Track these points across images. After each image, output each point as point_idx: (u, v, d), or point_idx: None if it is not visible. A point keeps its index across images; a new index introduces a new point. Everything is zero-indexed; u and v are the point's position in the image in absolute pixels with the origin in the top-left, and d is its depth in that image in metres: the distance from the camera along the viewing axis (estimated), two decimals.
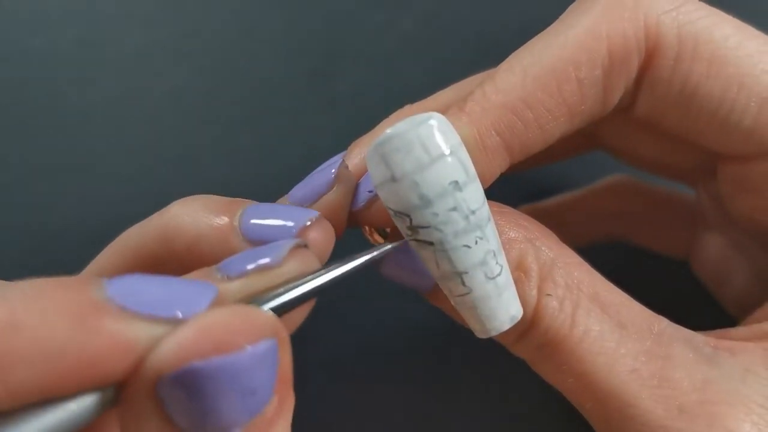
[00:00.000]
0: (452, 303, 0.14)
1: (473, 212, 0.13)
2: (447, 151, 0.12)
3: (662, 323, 0.15)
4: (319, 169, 0.16)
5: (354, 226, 0.16)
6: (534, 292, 0.14)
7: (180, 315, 0.10)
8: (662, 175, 0.22)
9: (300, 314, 0.15)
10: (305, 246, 0.13)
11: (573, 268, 0.15)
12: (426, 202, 0.12)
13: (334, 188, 0.15)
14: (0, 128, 0.26)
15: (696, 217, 0.22)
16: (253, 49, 0.27)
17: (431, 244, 0.13)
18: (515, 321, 0.14)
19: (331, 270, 0.13)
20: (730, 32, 0.15)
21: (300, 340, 0.24)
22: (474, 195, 0.13)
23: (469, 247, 0.13)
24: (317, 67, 0.27)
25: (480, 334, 0.14)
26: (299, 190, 0.16)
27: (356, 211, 0.15)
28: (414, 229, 0.13)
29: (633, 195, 0.23)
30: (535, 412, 0.23)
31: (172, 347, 0.10)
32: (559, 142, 0.16)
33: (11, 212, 0.25)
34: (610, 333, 0.14)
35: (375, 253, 0.14)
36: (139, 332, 0.10)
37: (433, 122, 0.12)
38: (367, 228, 0.16)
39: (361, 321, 0.25)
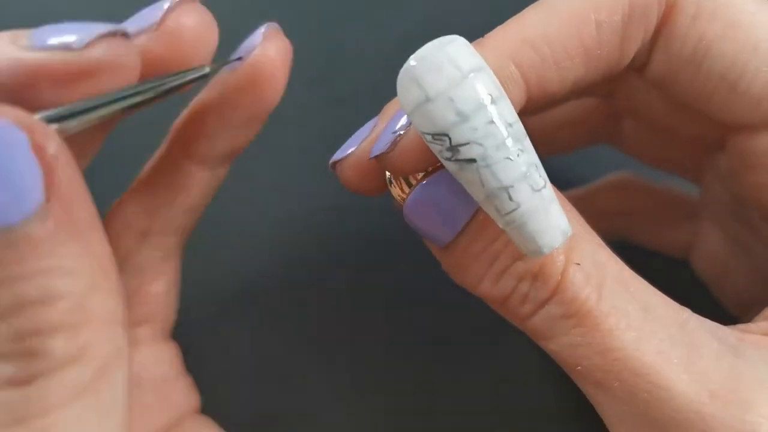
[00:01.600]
0: (500, 226, 0.14)
1: (511, 125, 0.13)
2: (477, 67, 0.13)
3: (686, 313, 0.15)
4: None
5: (370, 192, 0.16)
6: (562, 257, 0.14)
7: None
8: (668, 166, 0.22)
9: (99, 133, 0.15)
10: (125, 36, 0.12)
11: (599, 248, 0.15)
12: (463, 117, 0.12)
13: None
14: None
15: (697, 215, 0.22)
16: None
17: (473, 161, 0.13)
18: (567, 236, 0.13)
19: (140, 86, 0.12)
20: (749, 0, 0.15)
21: (298, 341, 0.24)
22: (508, 109, 0.13)
23: (511, 159, 0.13)
24: (317, 67, 0.27)
25: (533, 254, 0.13)
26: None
27: (380, 155, 0.15)
28: (454, 148, 0.13)
29: (634, 193, 0.23)
30: (533, 413, 0.23)
31: None
32: (568, 131, 0.16)
33: None
34: (635, 313, 0.14)
35: (193, 76, 0.14)
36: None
37: (458, 42, 0.13)
38: (393, 181, 0.16)
39: (359, 320, 0.25)
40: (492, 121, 0.12)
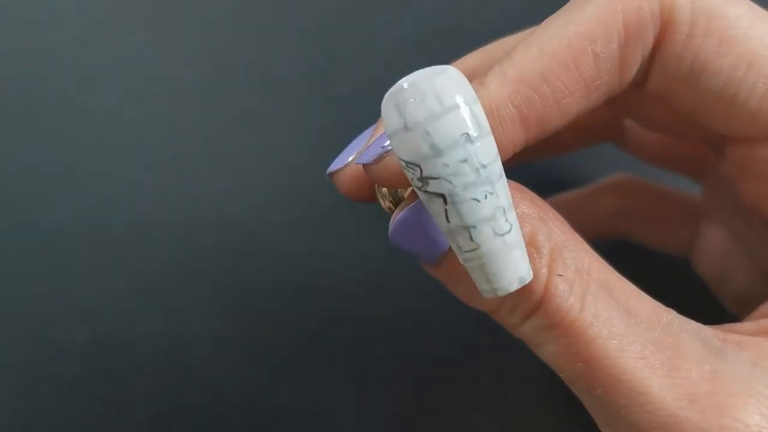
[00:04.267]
0: (461, 260, 0.14)
1: (484, 166, 0.13)
2: (460, 103, 0.12)
3: (670, 315, 0.15)
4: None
5: (369, 200, 0.16)
6: (544, 270, 0.14)
7: None
8: (670, 165, 0.22)
9: None
10: None
11: (583, 254, 0.15)
12: (437, 152, 0.12)
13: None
14: (0, 128, 0.26)
15: (698, 214, 0.22)
16: (253, 49, 0.27)
17: (440, 196, 0.13)
18: (524, 283, 0.14)
19: None
20: (743, 12, 0.15)
21: (300, 337, 0.24)
22: (486, 149, 0.13)
23: (478, 201, 0.13)
24: (317, 67, 0.27)
25: (487, 294, 0.14)
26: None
27: (366, 165, 0.15)
28: (424, 180, 0.13)
29: (635, 193, 0.23)
30: (532, 412, 0.23)
31: None
32: (569, 132, 0.16)
33: (11, 212, 0.25)
34: (618, 319, 0.14)
35: None
36: None
37: (448, 74, 0.13)
38: (382, 191, 0.16)
39: (361, 316, 0.25)
40: (465, 161, 0.12)
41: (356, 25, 0.28)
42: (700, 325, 0.15)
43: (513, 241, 0.13)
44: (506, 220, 0.13)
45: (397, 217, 0.15)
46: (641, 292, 0.15)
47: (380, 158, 0.15)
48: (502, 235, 0.13)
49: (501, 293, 0.13)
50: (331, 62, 0.27)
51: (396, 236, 0.15)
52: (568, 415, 0.23)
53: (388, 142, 0.14)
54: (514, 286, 0.13)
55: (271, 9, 0.28)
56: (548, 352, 0.15)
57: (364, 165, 0.15)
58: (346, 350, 0.24)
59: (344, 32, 0.27)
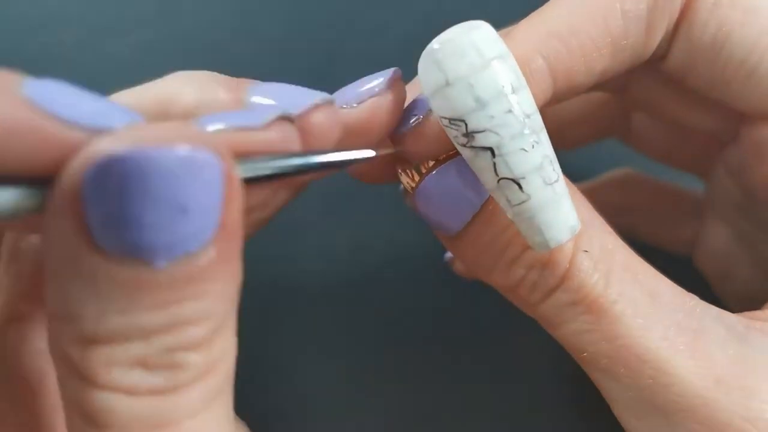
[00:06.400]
0: (509, 216, 0.14)
1: (528, 116, 0.13)
2: (499, 55, 0.13)
3: (693, 300, 0.15)
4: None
5: (388, 180, 0.16)
6: (570, 244, 0.14)
7: (103, 125, 0.10)
8: (676, 161, 0.22)
9: (278, 198, 0.15)
10: (291, 121, 0.13)
11: (607, 235, 0.15)
12: (482, 104, 0.12)
13: (385, 94, 0.14)
14: None
15: (701, 211, 0.22)
16: (253, 49, 0.27)
17: (488, 149, 0.13)
18: (574, 232, 0.13)
19: (312, 155, 0.13)
20: None
21: (300, 336, 0.24)
22: (528, 100, 0.13)
23: (526, 150, 0.13)
24: (317, 67, 0.27)
25: (539, 248, 0.14)
26: (345, 93, 0.15)
27: (401, 135, 0.15)
28: (470, 135, 0.13)
29: (637, 189, 0.23)
30: (535, 412, 0.23)
31: (105, 139, 0.10)
32: (577, 126, 0.15)
33: None
34: (642, 300, 0.14)
35: (356, 155, 0.13)
36: (58, 130, 0.10)
37: (484, 28, 0.13)
38: (403, 171, 0.16)
39: (360, 315, 0.25)
40: (510, 111, 0.12)
41: (356, 25, 0.28)
42: (722, 311, 0.15)
43: (561, 190, 0.13)
44: (553, 170, 0.13)
45: (421, 184, 0.15)
46: (664, 276, 0.15)
47: (414, 127, 0.14)
48: (551, 184, 0.13)
49: (554, 244, 0.13)
50: (331, 62, 0.27)
51: (420, 201, 0.15)
52: (569, 415, 0.23)
53: (415, 117, 0.14)
54: (566, 236, 0.13)
55: (271, 9, 0.28)
56: (570, 330, 0.15)
57: (395, 137, 0.15)
58: (345, 350, 0.24)
59: (344, 32, 0.27)
